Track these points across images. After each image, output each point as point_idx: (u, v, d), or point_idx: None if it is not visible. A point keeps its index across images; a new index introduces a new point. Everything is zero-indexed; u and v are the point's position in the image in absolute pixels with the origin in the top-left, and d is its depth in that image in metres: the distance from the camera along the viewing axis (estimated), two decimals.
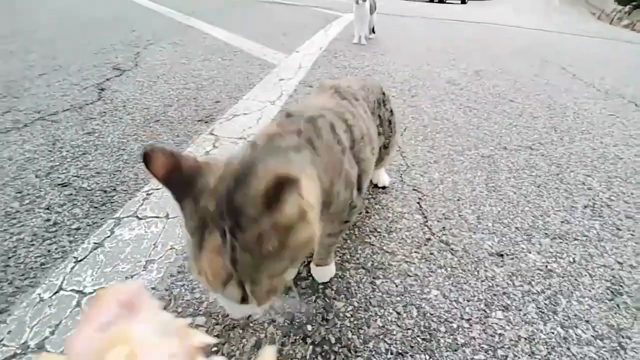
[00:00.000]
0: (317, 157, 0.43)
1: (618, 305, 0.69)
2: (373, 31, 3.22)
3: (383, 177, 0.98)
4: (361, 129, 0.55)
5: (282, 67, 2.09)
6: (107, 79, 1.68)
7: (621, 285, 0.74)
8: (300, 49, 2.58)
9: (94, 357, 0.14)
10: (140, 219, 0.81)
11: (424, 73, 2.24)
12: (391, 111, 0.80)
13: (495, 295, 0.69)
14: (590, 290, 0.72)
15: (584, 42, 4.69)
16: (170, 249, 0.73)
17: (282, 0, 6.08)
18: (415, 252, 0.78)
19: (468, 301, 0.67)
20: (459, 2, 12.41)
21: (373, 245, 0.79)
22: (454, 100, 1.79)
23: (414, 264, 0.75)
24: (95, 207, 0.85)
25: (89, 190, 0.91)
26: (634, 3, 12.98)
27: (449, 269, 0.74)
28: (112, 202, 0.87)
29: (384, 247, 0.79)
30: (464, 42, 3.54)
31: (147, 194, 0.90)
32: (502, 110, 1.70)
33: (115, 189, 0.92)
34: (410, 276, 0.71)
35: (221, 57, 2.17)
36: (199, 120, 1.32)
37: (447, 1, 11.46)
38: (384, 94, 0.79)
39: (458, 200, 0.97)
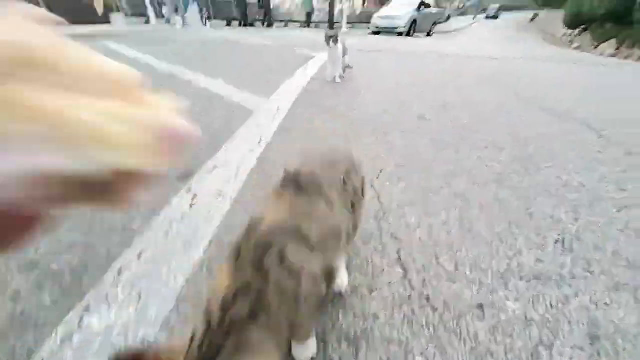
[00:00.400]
0: (274, 321, 0.43)
1: (598, 352, 0.70)
2: (349, 66, 3.40)
3: (343, 278, 0.82)
4: (322, 231, 0.54)
5: (261, 112, 2.15)
6: None
7: (598, 328, 0.76)
8: (278, 91, 2.68)
9: None
10: (111, 303, 0.77)
11: (395, 108, 2.36)
12: (355, 191, 0.69)
13: (478, 357, 0.68)
14: (569, 338, 0.73)
15: (538, 67, 5.13)
16: (142, 339, 0.69)
17: (259, 43, 6.39)
18: (397, 312, 0.77)
19: None
20: (425, 35, 13.45)
21: (355, 308, 0.78)
22: (425, 134, 1.88)
23: (397, 327, 0.74)
24: (65, 291, 0.81)
25: (58, 272, 0.87)
26: (582, 26, 14.48)
27: (431, 328, 0.74)
28: (81, 284, 0.83)
29: (366, 311, 0.78)
30: (431, 75, 3.79)
31: (119, 272, 0.86)
32: (469, 142, 1.79)
33: (86, 268, 0.88)
34: (394, 342, 0.70)
35: (201, 106, 2.22)
36: (178, 177, 1.32)
37: (414, 35, 12.38)
38: (353, 164, 0.74)
39: (435, 245, 0.99)
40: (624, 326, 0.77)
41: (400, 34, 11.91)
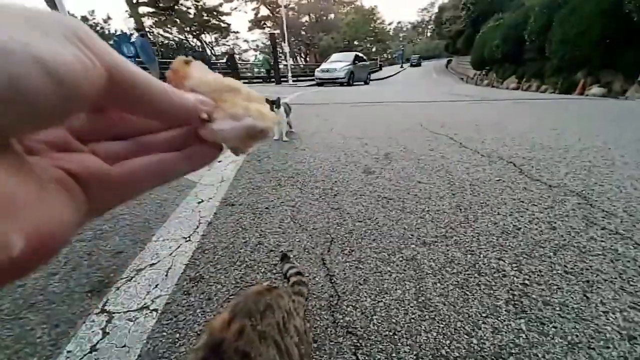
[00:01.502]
0: None
1: None
2: (290, 127, 3.51)
3: None
4: None
5: (203, 184, 2.03)
6: None
7: None
8: (222, 156, 2.61)
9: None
10: None
11: (342, 165, 2.42)
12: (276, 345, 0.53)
13: None
14: None
15: (460, 106, 5.89)
16: None
17: None
18: None
19: None
20: (363, 83, 15.03)
21: None
22: (372, 192, 1.91)
23: None
24: None
25: None
26: (486, 68, 17.47)
27: None
28: None
29: None
30: (371, 125, 4.08)
31: None
32: (413, 195, 1.86)
33: None
34: None
35: None
36: (89, 292, 1.10)
37: (353, 84, 13.75)
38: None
39: (394, 334, 0.91)
40: None
41: (341, 84, 13.14)
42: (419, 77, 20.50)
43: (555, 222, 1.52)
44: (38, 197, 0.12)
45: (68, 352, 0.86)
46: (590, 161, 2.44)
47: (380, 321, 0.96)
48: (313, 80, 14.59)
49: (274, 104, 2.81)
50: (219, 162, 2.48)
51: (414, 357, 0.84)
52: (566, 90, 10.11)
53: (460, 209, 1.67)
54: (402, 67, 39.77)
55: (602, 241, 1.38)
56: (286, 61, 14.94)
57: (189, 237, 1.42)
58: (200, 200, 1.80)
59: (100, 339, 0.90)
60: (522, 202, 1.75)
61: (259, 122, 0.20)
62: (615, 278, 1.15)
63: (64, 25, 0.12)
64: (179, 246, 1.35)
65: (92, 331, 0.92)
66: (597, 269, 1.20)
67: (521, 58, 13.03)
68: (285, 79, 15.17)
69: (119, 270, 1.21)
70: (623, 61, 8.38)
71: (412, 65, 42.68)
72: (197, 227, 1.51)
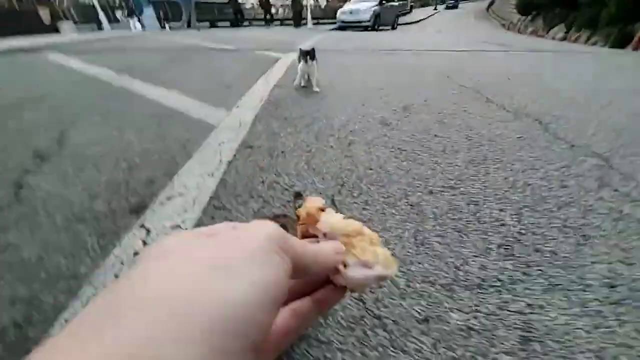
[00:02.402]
0: None
1: (529, 356, 0.77)
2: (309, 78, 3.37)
3: None
4: None
5: (222, 128, 2.11)
6: (27, 171, 1.57)
7: (531, 331, 0.83)
8: (241, 102, 2.64)
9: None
10: None
11: (359, 115, 2.40)
12: None
13: None
14: (504, 344, 0.80)
15: (495, 57, 5.38)
16: None
17: (220, 47, 6.23)
18: (350, 335, 0.81)
19: None
20: (390, 28, 13.67)
21: (310, 336, 0.81)
22: (387, 143, 1.94)
23: (349, 351, 0.77)
24: (9, 348, 0.77)
25: (1, 329, 0.82)
26: (533, 12, 15.31)
27: (380, 349, 0.78)
28: (26, 340, 0.80)
29: (320, 337, 0.80)
30: (394, 75, 3.87)
31: (66, 321, 0.83)
32: (428, 147, 1.87)
33: (30, 322, 0.85)
34: None
35: (157, 124, 2.14)
36: (130, 211, 1.27)
37: (379, 28, 12.55)
38: None
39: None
40: (555, 326, 0.85)
41: (365, 28, 12.04)
42: (454, 22, 18.35)
43: (567, 181, 1.53)
44: None
45: (115, 256, 1.05)
46: (624, 122, 2.29)
47: None
48: (334, 23, 13.43)
49: (308, 54, 2.69)
50: (237, 107, 2.52)
51: (405, 280, 0.97)
52: (619, 43, 8.82)
53: (473, 164, 1.69)
54: (435, 9, 35.38)
55: (610, 202, 1.39)
56: (305, 1, 13.65)
57: (212, 173, 1.55)
58: (221, 142, 1.90)
59: (141, 247, 1.08)
60: (539, 160, 1.73)
61: (387, 270, 0.22)
62: (613, 235, 1.19)
63: (273, 241, 0.17)
64: (203, 180, 1.49)
65: (134, 241, 1.11)
66: (597, 226, 1.24)
67: (575, 2, 11.23)
68: (304, 22, 14.06)
69: (153, 196, 1.37)
70: None
71: (447, 8, 37.78)
72: (219, 165, 1.63)
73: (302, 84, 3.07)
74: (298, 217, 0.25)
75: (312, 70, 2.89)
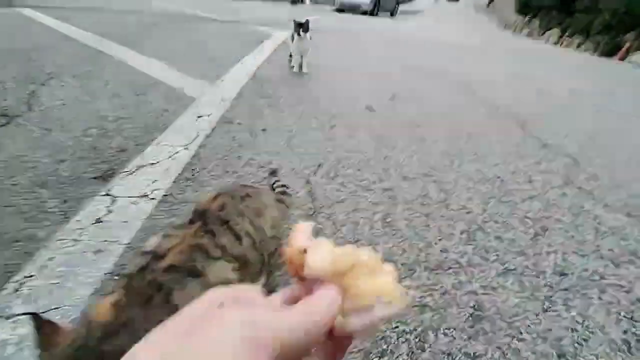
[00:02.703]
0: None
1: (477, 332, 0.82)
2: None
3: None
4: (222, 267, 0.57)
5: (202, 101, 2.04)
6: None
7: (482, 311, 0.88)
8: (225, 77, 2.55)
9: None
10: (8, 318, 0.73)
11: (345, 99, 2.38)
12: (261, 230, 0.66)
13: (374, 342, 0.76)
14: (455, 320, 0.84)
15: (489, 56, 5.42)
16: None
17: (212, 17, 5.94)
18: None
19: (350, 353, 0.73)
20: (389, 15, 13.43)
21: None
22: (369, 128, 1.94)
23: None
24: None
25: None
26: (531, 14, 15.43)
27: None
28: None
29: None
30: (385, 63, 3.84)
31: (20, 284, 0.81)
32: (408, 136, 1.89)
33: None
34: None
35: (134, 92, 2.05)
36: (96, 177, 1.23)
37: (378, 14, 12.29)
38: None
39: (356, 241, 1.06)
40: (505, 307, 0.90)
41: (364, 12, 11.76)
42: (454, 15, 18.24)
43: (535, 176, 1.59)
44: None
45: (77, 220, 1.02)
46: (598, 128, 2.39)
47: (347, 231, 1.10)
48: (332, 5, 13.04)
49: (301, 26, 2.58)
50: (222, 80, 2.44)
51: None
52: (608, 52, 9.10)
53: (449, 155, 1.72)
54: (436, 0, 34.93)
55: (573, 198, 1.46)
56: None
57: (186, 145, 1.51)
58: (199, 115, 1.84)
59: (105, 215, 1.05)
60: (512, 155, 1.79)
61: (389, 309, 0.19)
62: (571, 229, 1.26)
63: (245, 335, 0.14)
64: (177, 152, 1.45)
65: (98, 208, 1.07)
66: (556, 219, 1.30)
67: (572, 7, 11.38)
68: (301, 1, 13.57)
69: (122, 164, 1.32)
70: None
71: (448, 0, 37.38)
72: (195, 138, 1.58)
73: (304, 70, 2.87)
74: (285, 259, 0.22)
75: (304, 45, 2.76)
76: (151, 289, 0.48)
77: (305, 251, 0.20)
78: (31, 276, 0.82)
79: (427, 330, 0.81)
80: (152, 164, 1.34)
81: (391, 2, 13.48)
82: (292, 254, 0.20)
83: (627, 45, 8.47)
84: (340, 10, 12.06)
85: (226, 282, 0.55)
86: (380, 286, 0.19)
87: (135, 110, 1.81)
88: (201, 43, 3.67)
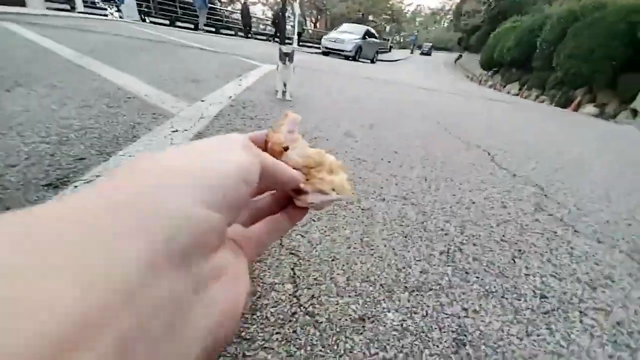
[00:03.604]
0: None
1: (461, 359, 0.75)
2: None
3: None
4: None
5: (180, 117, 1.99)
6: None
7: (465, 335, 0.81)
8: (206, 97, 2.54)
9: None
10: None
11: (326, 125, 2.42)
12: None
13: None
14: (437, 346, 0.76)
15: (457, 100, 5.90)
16: None
17: (202, 46, 6.13)
18: (276, 333, 0.73)
19: None
20: (369, 61, 14.60)
21: None
22: (349, 152, 1.95)
23: (273, 349, 0.69)
24: None
25: None
26: (494, 69, 17.35)
27: (309, 347, 0.70)
28: None
29: (242, 333, 0.71)
30: (365, 98, 4.05)
31: None
32: (387, 161, 1.91)
33: None
34: None
35: (106, 104, 1.97)
36: (47, 185, 1.10)
37: (359, 60, 13.33)
38: None
39: (332, 260, 0.99)
40: (488, 331, 0.84)
41: (347, 57, 12.71)
42: (426, 66, 20.15)
43: (507, 203, 1.62)
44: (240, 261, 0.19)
45: None
46: (560, 163, 2.56)
47: (323, 250, 1.03)
48: (319, 48, 14.05)
49: (287, 56, 2.70)
50: (202, 101, 2.42)
51: (345, 279, 0.92)
52: (563, 104, 10.26)
53: (426, 180, 1.74)
54: (412, 52, 38.77)
55: (544, 224, 1.49)
56: (294, 22, 14.20)
57: None
58: (174, 130, 1.77)
59: None
60: (485, 183, 1.84)
61: (341, 195, 0.25)
62: (546, 252, 1.26)
63: (240, 142, 0.19)
64: None
65: None
66: (531, 243, 1.31)
67: (528, 65, 12.96)
68: (290, 41, 14.52)
69: (79, 173, 1.21)
70: (623, 86, 8.52)
71: (422, 54, 41.56)
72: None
73: (287, 97, 2.97)
74: (266, 141, 0.26)
75: (289, 74, 2.89)
76: None
77: (286, 148, 0.24)
78: None
79: (408, 357, 0.72)
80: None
81: (372, 50, 14.79)
82: (275, 144, 0.24)
83: (579, 99, 9.61)
84: (325, 53, 12.98)
85: None
86: (336, 181, 0.25)
87: (106, 121, 1.72)
88: (189, 67, 3.71)
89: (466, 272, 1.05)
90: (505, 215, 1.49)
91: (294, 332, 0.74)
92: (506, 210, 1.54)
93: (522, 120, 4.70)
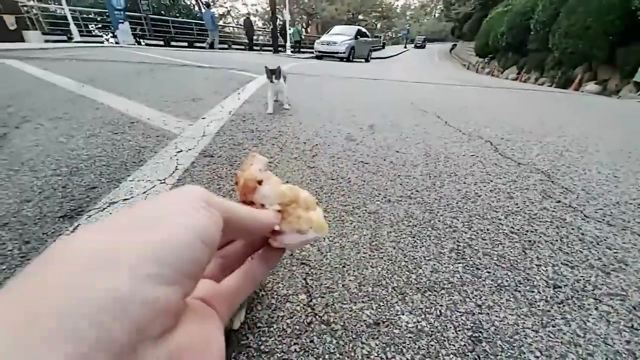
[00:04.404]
0: None
1: (478, 356, 0.76)
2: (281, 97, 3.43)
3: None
4: None
5: (184, 137, 2.04)
6: None
7: (481, 332, 0.82)
8: (207, 114, 2.59)
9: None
10: None
11: (326, 131, 2.45)
12: None
13: None
14: (454, 345, 0.77)
15: (454, 90, 5.87)
16: None
17: (196, 64, 6.23)
18: (294, 344, 0.74)
19: None
20: (364, 60, 14.64)
21: (250, 347, 0.73)
22: (351, 156, 1.97)
23: None
24: None
25: None
26: (490, 55, 17.22)
27: (327, 356, 0.72)
28: None
29: (262, 347, 0.73)
30: (362, 99, 4.07)
31: None
32: (389, 161, 1.92)
33: None
34: None
35: (111, 131, 2.02)
36: (62, 217, 1.15)
37: (354, 60, 13.38)
38: None
39: (343, 267, 1.00)
40: (504, 326, 0.85)
41: (341, 59, 12.77)
42: (421, 60, 20.10)
43: (514, 193, 1.62)
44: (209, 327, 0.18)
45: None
46: (564, 146, 2.54)
47: (333, 257, 1.05)
48: (312, 52, 14.14)
49: (274, 73, 2.73)
50: (203, 118, 2.47)
51: (357, 284, 0.93)
52: (563, 85, 10.14)
53: (430, 177, 1.75)
54: (405, 47, 38.76)
55: (553, 211, 1.48)
56: (285, 30, 14.32)
57: (164, 179, 1.46)
58: (179, 150, 1.82)
59: None
60: (489, 174, 1.84)
61: (318, 233, 0.25)
62: (556, 241, 1.26)
63: (198, 197, 0.17)
64: (153, 186, 1.39)
65: None
66: (541, 232, 1.30)
67: (524, 48, 12.86)
68: (282, 49, 14.64)
69: (92, 202, 1.25)
70: (622, 59, 8.39)
71: (416, 47, 41.46)
72: (174, 172, 1.54)
73: (271, 111, 2.91)
74: (237, 182, 0.26)
75: (280, 88, 2.91)
76: None
77: (260, 182, 0.24)
78: None
79: (425, 358, 0.73)
80: (125, 199, 1.28)
81: (365, 49, 14.84)
82: (247, 181, 0.24)
83: (579, 77, 9.48)
84: (319, 57, 13.06)
85: None
86: (312, 218, 0.25)
87: (113, 148, 1.77)
88: (187, 86, 3.78)
89: (477, 268, 1.05)
90: (513, 206, 1.49)
91: (311, 341, 0.75)
92: (513, 201, 1.54)
93: (521, 106, 4.66)
